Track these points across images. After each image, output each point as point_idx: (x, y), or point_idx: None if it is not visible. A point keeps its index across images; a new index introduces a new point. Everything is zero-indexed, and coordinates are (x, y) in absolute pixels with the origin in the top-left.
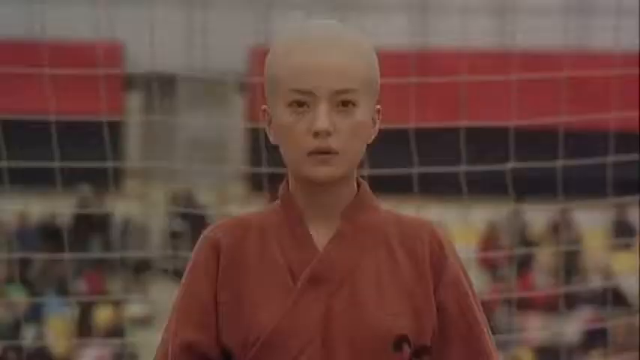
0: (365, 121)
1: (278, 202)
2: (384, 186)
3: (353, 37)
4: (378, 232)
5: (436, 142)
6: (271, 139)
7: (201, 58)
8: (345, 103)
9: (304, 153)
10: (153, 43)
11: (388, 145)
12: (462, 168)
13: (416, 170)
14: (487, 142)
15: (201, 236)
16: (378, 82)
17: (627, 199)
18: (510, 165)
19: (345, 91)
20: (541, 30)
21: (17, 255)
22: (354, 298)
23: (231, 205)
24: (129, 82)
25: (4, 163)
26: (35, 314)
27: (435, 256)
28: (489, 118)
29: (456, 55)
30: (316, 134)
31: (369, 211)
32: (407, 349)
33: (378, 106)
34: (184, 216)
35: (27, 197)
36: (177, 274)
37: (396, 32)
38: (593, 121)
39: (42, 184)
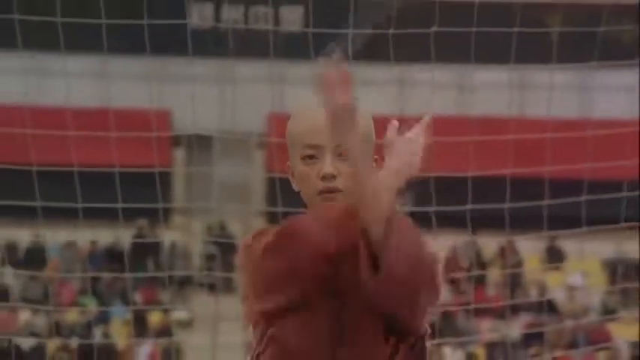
0: (355, 169)
1: None
2: None
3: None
4: None
5: (413, 189)
6: (294, 186)
7: (230, 122)
8: (342, 153)
9: (315, 192)
10: (193, 111)
11: None
12: (432, 208)
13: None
14: (450, 188)
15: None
16: (372, 137)
17: (558, 232)
18: (469, 206)
19: (340, 147)
20: (493, 101)
21: (89, 274)
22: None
23: None
24: (175, 141)
25: (79, 204)
26: (103, 318)
27: None
28: (454, 170)
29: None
30: (324, 177)
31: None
32: None
33: (376, 157)
34: (217, 243)
35: (96, 228)
36: (212, 287)
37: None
38: (532, 172)
39: (108, 219)
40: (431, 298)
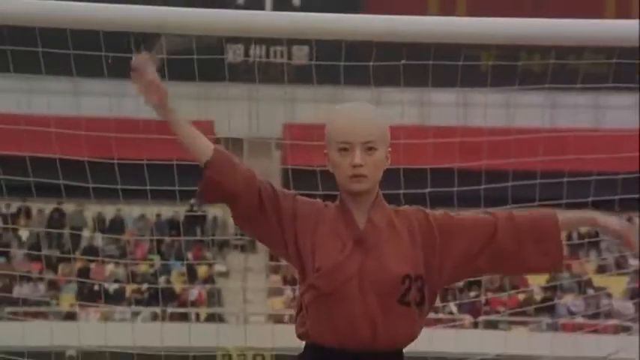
0: (381, 159)
1: (337, 202)
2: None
3: (371, 110)
4: (387, 217)
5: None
6: (330, 169)
7: (256, 129)
8: (369, 148)
9: (347, 177)
10: (229, 121)
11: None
12: (401, 191)
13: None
14: (412, 177)
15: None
16: (388, 136)
17: (494, 208)
18: (427, 190)
19: (369, 142)
20: (444, 115)
21: (155, 237)
22: (376, 254)
23: None
24: (216, 143)
25: (148, 187)
26: (165, 269)
27: (423, 223)
28: (415, 164)
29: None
30: (354, 166)
31: (382, 207)
32: (408, 282)
33: (389, 149)
34: None
35: (160, 205)
36: (242, 248)
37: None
38: (472, 166)
39: (169, 198)
40: None
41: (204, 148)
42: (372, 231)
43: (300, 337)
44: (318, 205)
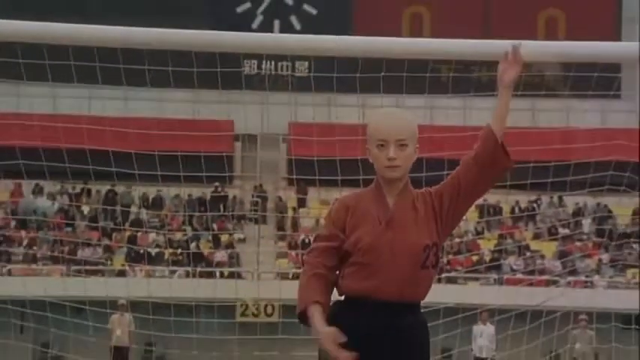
0: (410, 153)
1: (373, 186)
2: None
3: (403, 112)
4: (411, 199)
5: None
6: (370, 160)
7: (267, 126)
8: (401, 145)
9: (384, 167)
10: (245, 120)
11: None
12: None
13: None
14: None
15: (338, 200)
16: (416, 134)
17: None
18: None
19: (401, 140)
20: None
21: (187, 212)
22: (403, 230)
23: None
24: (235, 138)
25: (182, 173)
26: (195, 237)
27: (429, 199)
28: None
29: None
30: (389, 159)
31: (409, 191)
32: (427, 250)
33: (417, 146)
34: (258, 196)
35: (191, 187)
36: (256, 220)
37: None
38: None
39: (199, 181)
40: None
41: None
42: (400, 212)
43: (340, 295)
44: (347, 201)
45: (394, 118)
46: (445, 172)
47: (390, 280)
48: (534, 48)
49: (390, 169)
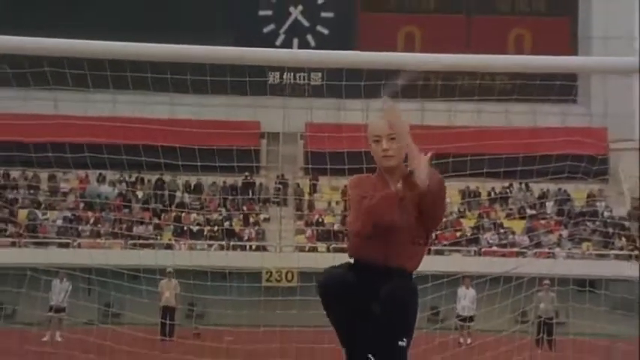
0: (400, 145)
1: (376, 174)
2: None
3: (397, 110)
4: (408, 185)
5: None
6: (372, 154)
7: (287, 126)
8: (392, 138)
9: (380, 157)
10: (270, 121)
11: None
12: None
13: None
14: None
15: (348, 183)
16: (407, 129)
17: None
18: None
19: (391, 134)
20: (412, 116)
21: (222, 196)
22: (400, 210)
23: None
24: (261, 135)
25: (217, 164)
26: (229, 217)
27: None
28: None
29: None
30: (383, 150)
31: (406, 178)
32: (419, 227)
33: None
34: (280, 183)
35: (226, 176)
36: (278, 203)
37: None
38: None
39: (231, 171)
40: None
41: None
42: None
43: (350, 257)
44: (354, 181)
45: (387, 117)
46: (433, 163)
47: (384, 254)
48: (506, 61)
49: (385, 159)
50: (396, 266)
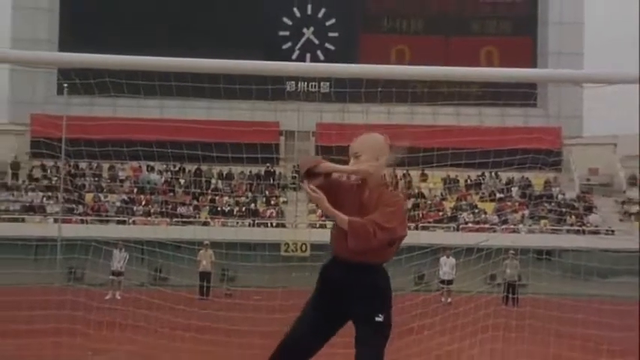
0: (366, 160)
1: (359, 183)
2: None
3: (365, 136)
4: (380, 194)
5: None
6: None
7: (301, 126)
8: (357, 156)
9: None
10: (287, 122)
11: None
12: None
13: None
14: None
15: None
16: (374, 148)
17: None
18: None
19: (355, 153)
20: (405, 117)
21: (248, 182)
22: (368, 214)
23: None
24: (280, 133)
25: (244, 155)
26: (254, 200)
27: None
28: None
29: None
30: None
31: (380, 188)
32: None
33: (380, 156)
34: (296, 172)
35: (250, 166)
36: (295, 188)
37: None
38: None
39: (254, 162)
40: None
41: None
42: (369, 201)
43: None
44: (345, 184)
45: (355, 141)
46: (420, 155)
47: (350, 251)
48: (479, 72)
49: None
50: (373, 262)
